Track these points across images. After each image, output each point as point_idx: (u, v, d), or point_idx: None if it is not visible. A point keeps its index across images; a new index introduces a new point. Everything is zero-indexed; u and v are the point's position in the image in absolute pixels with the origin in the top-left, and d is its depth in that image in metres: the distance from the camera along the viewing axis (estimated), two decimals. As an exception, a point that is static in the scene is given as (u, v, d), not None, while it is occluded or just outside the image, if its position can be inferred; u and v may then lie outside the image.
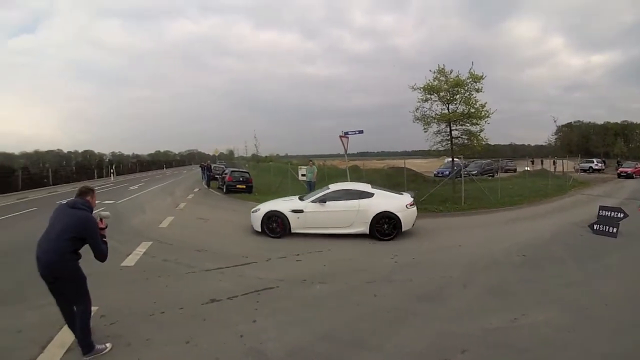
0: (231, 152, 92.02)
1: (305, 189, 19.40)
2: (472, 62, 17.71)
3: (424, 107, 18.26)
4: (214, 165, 33.61)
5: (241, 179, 21.86)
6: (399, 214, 9.42)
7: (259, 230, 10.17)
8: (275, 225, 9.99)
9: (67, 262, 3.96)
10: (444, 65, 17.62)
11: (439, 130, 18.31)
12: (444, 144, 18.42)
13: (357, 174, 18.00)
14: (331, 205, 9.87)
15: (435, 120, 18.02)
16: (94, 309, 5.28)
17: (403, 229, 9.54)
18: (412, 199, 10.08)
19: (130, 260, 7.74)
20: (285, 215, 9.95)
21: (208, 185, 26.93)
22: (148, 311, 5.30)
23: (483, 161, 34.90)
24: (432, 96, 17.87)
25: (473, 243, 9.31)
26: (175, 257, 8.00)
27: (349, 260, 7.94)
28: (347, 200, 9.86)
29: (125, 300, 5.66)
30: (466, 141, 18.00)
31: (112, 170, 45.08)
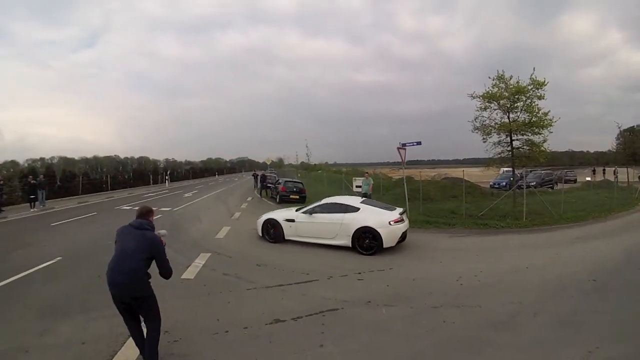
0: (281, 160, 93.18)
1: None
2: (534, 68, 16.36)
3: (482, 115, 17.50)
4: (267, 173, 33.98)
5: (295, 189, 21.99)
6: (379, 230, 9.55)
7: (261, 235, 11.28)
8: (273, 231, 11.03)
9: (144, 282, 4.08)
10: (503, 71, 16.75)
11: (499, 141, 17.49)
12: (504, 154, 17.56)
13: (413, 185, 17.46)
14: (318, 217, 10.58)
15: (495, 130, 17.22)
16: None
17: (384, 246, 9.57)
18: (399, 215, 10.04)
19: (190, 273, 7.76)
20: (279, 223, 10.96)
21: (260, 194, 27.26)
22: (211, 329, 5.20)
23: (542, 171, 32.79)
24: (492, 104, 17.08)
25: (539, 265, 8.60)
26: (235, 271, 7.94)
27: (412, 280, 7.54)
28: (333, 213, 10.43)
29: (187, 316, 5.60)
30: (527, 151, 17.02)
31: (166, 177, 46.82)
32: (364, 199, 11.94)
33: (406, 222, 10.38)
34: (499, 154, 17.70)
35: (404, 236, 10.16)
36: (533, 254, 9.66)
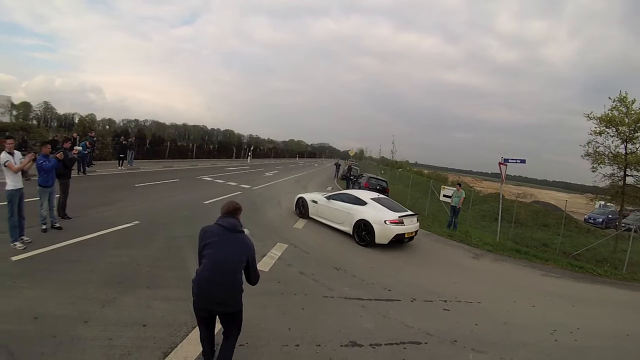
0: (361, 152, 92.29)
1: (445, 211, 18.03)
2: None
3: (596, 141, 15.55)
4: (353, 165, 33.38)
5: (378, 187, 21.17)
6: (374, 225, 10.40)
7: (295, 209, 13.40)
8: (302, 208, 13.00)
9: (240, 296, 3.73)
10: (626, 92, 14.77)
11: (612, 174, 15.50)
12: (615, 189, 15.61)
13: (504, 205, 15.96)
14: (334, 203, 11.97)
15: (609, 160, 15.24)
16: None
17: (376, 241, 10.36)
18: (399, 218, 10.59)
19: (265, 264, 7.39)
20: (307, 202, 12.85)
21: (343, 185, 26.75)
22: (281, 339, 4.75)
23: None
24: (609, 130, 15.14)
25: None
26: (312, 272, 7.48)
27: (504, 324, 6.65)
28: (345, 202, 11.69)
29: (257, 316, 5.14)
30: None
31: (249, 153, 48.03)
32: (379, 195, 12.54)
33: (409, 225, 10.87)
34: (608, 187, 15.84)
35: (408, 238, 10.98)
36: (635, 319, 8.37)
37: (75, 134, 19.04)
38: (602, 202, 21.46)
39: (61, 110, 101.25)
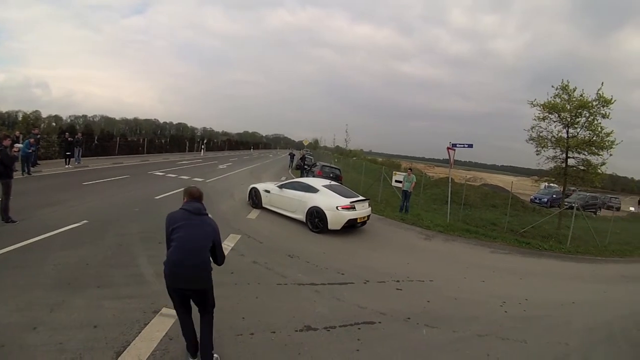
0: (316, 142, 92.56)
1: (397, 196, 18.46)
2: (602, 83, 15.13)
3: (540, 126, 16.69)
4: (307, 155, 33.48)
5: (331, 174, 21.44)
6: (326, 212, 10.57)
7: (247, 200, 13.41)
8: (255, 198, 12.97)
9: (209, 273, 3.88)
10: (568, 81, 15.83)
11: (554, 156, 16.62)
12: (557, 170, 16.75)
13: (453, 188, 16.54)
14: (286, 192, 12.02)
15: (552, 144, 16.33)
16: (173, 312, 4.91)
17: (329, 227, 10.55)
18: (350, 203, 10.83)
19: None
20: (260, 192, 12.85)
21: (295, 174, 26.79)
22: (235, 329, 4.77)
23: (587, 194, 31.31)
24: (552, 115, 16.23)
25: (586, 302, 7.94)
26: (265, 261, 7.51)
27: (455, 299, 6.97)
28: (297, 191, 11.77)
29: (210, 308, 5.12)
30: (582, 172, 16.09)
31: (202, 146, 47.14)
32: (330, 182, 12.71)
33: (361, 210, 11.13)
34: (552, 169, 16.93)
35: (361, 222, 11.35)
36: (579, 288, 9.13)
37: (18, 132, 18.08)
38: (547, 183, 22.60)
39: (4, 108, 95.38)
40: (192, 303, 3.91)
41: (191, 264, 3.68)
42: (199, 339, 3.93)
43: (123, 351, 4.02)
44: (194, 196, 4.02)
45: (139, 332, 4.39)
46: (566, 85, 15.74)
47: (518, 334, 5.77)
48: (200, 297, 3.87)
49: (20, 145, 10.78)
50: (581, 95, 15.37)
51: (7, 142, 8.77)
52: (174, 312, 4.81)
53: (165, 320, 4.70)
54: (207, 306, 3.95)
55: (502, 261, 10.49)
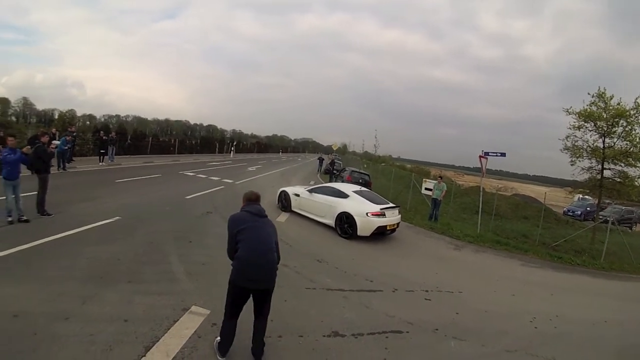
0: (345, 147, 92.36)
1: (427, 204, 18.22)
2: None
3: (575, 135, 15.87)
4: (336, 159, 33.50)
5: (361, 180, 21.25)
6: (356, 218, 10.47)
7: (277, 203, 13.21)
8: (285, 201, 12.92)
9: (276, 272, 4.08)
10: (605, 88, 15.06)
11: (590, 167, 15.83)
12: (592, 182, 15.92)
13: (485, 197, 16.15)
14: (316, 196, 11.99)
15: (587, 154, 15.58)
16: (205, 311, 4.93)
17: (358, 233, 10.42)
18: (380, 210, 10.69)
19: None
20: (289, 196, 12.81)
21: (325, 178, 26.78)
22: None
23: (623, 207, 29.35)
24: (587, 124, 15.43)
25: (618, 321, 7.53)
26: (295, 264, 7.48)
27: (484, 312, 6.80)
28: (327, 195, 11.72)
29: (239, 309, 5.12)
30: (618, 184, 15.32)
31: (232, 148, 47.73)
32: (361, 188, 12.72)
33: (391, 217, 10.95)
34: (586, 180, 16.13)
35: (390, 230, 11.11)
36: (612, 306, 8.65)
37: (54, 130, 18.67)
38: (581, 195, 21.85)
39: (41, 106, 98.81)
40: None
41: (262, 263, 3.87)
42: (251, 341, 4.08)
43: (152, 346, 4.05)
44: (251, 199, 4.32)
45: (168, 329, 4.41)
46: (602, 93, 15.02)
47: (548, 351, 5.55)
48: (264, 297, 4.00)
49: (57, 142, 11.12)
50: (618, 104, 14.64)
51: (45, 139, 9.11)
52: (203, 310, 4.94)
53: (195, 318, 4.73)
54: (265, 308, 4.06)
55: (533, 275, 10.16)
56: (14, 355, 3.64)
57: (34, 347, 3.77)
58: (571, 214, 28.81)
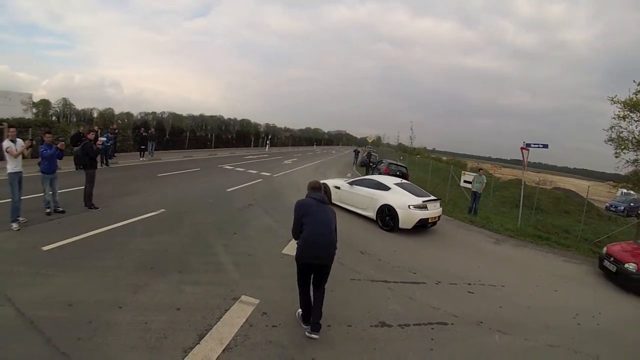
0: (379, 139, 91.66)
1: (465, 197, 17.92)
2: None
3: (620, 126, 14.79)
4: (373, 152, 33.33)
5: (398, 172, 20.97)
6: (398, 210, 10.43)
7: None
8: (325, 194, 11.57)
9: (336, 250, 4.61)
10: None
11: (636, 159, 14.98)
12: (635, 175, 14.97)
13: (526, 191, 15.57)
14: (357, 189, 12.00)
15: (633, 146, 14.67)
16: (255, 301, 5.01)
17: (400, 226, 10.40)
18: (422, 202, 10.67)
19: (291, 248, 7.24)
20: (330, 188, 12.81)
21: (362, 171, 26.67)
22: (313, 320, 4.77)
23: None
24: (633, 114, 14.46)
25: None
26: (338, 256, 7.37)
27: (528, 308, 6.68)
28: (368, 188, 11.69)
29: (287, 298, 5.20)
30: None
31: (267, 142, 48.13)
32: (401, 181, 12.68)
33: (432, 210, 10.87)
34: (631, 174, 15.21)
35: (432, 223, 11.09)
36: None
37: (96, 127, 19.31)
38: (624, 190, 20.88)
39: (80, 106, 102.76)
40: None
41: (326, 243, 4.43)
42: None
43: (206, 334, 4.17)
44: (315, 188, 4.96)
45: (220, 317, 4.53)
46: None
47: (590, 349, 5.44)
48: (324, 271, 4.54)
49: (103, 138, 11.48)
50: None
51: (91, 136, 9.54)
52: (253, 300, 5.06)
53: (245, 307, 4.85)
54: (323, 281, 4.58)
55: (575, 271, 9.84)
56: (73, 343, 3.79)
57: (90, 335, 3.93)
58: (614, 209, 27.70)
